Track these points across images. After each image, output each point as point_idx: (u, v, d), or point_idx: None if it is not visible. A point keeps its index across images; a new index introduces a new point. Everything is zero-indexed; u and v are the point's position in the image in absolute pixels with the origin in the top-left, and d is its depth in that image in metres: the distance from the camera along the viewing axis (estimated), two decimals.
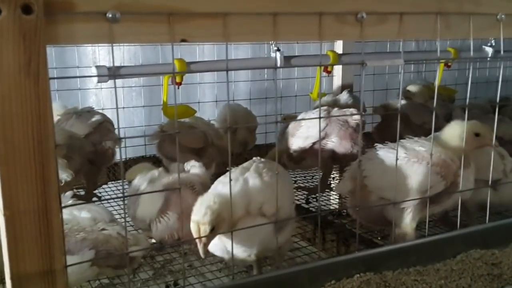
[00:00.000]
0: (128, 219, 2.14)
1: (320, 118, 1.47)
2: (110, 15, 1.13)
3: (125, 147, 3.11)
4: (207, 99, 3.47)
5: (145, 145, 3.12)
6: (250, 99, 3.60)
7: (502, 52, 1.73)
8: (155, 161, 2.73)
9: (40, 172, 1.09)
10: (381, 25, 1.47)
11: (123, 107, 3.25)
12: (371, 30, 1.45)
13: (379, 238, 2.37)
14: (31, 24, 1.02)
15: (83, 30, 1.13)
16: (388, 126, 2.84)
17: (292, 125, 2.56)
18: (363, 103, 2.30)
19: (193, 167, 2.13)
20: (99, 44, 3.04)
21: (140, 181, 2.07)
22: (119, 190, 2.72)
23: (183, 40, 1.25)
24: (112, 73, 1.25)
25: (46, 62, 1.06)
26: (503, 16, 1.63)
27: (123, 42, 1.33)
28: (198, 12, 1.24)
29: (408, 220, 1.87)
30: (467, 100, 1.68)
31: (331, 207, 2.90)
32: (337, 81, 3.57)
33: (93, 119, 2.59)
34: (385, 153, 1.95)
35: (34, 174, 1.08)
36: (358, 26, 1.43)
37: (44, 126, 1.07)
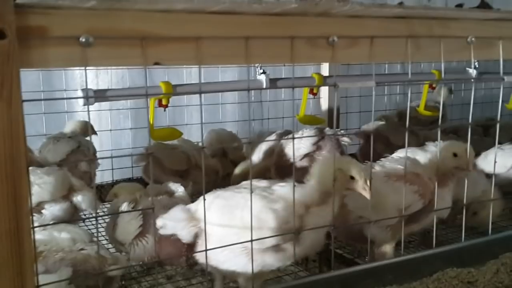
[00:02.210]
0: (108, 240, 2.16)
1: (293, 138, 1.50)
2: (83, 39, 1.16)
3: (112, 169, 3.14)
4: (194, 121, 3.50)
5: (132, 167, 3.14)
6: (237, 121, 3.64)
7: (474, 74, 1.77)
8: (141, 184, 2.75)
9: (12, 193, 1.11)
10: (352, 48, 1.51)
11: (110, 130, 3.27)
12: (343, 53, 1.50)
13: (366, 259, 2.38)
14: (4, 48, 1.05)
15: (56, 54, 1.16)
16: (369, 147, 2.88)
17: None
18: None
19: (175, 189, 2.14)
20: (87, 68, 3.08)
21: (120, 203, 2.09)
22: (103, 211, 2.73)
23: (157, 63, 1.29)
24: (86, 96, 1.27)
25: (19, 85, 1.08)
26: (473, 39, 1.68)
27: (97, 66, 1.37)
28: (170, 36, 1.28)
29: (387, 239, 1.88)
30: (439, 121, 1.71)
31: None
32: (324, 103, 3.63)
33: (68, 145, 2.63)
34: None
35: (6, 195, 1.10)
36: (329, 49, 1.47)
37: (16, 148, 1.10)
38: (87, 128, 2.82)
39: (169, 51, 1.29)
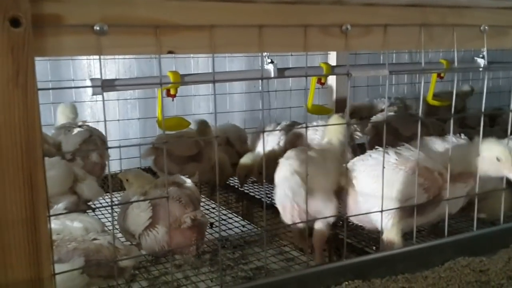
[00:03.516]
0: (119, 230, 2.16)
1: (306, 127, 1.50)
2: (97, 28, 1.16)
3: (120, 159, 3.14)
4: (202, 111, 3.51)
5: (140, 157, 3.14)
6: (244, 110, 3.64)
7: (486, 62, 1.76)
8: (150, 173, 2.75)
9: (28, 181, 1.11)
10: (365, 37, 1.50)
11: (118, 120, 3.28)
12: (356, 42, 1.49)
13: (374, 248, 2.38)
14: (19, 36, 1.05)
15: (71, 42, 1.16)
16: (379, 139, 2.85)
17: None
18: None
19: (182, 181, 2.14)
20: (95, 58, 3.09)
21: (130, 194, 2.09)
22: (113, 202, 2.73)
23: (170, 52, 1.28)
24: (101, 84, 1.27)
25: (34, 73, 1.08)
26: (486, 27, 1.67)
27: (111, 54, 1.36)
28: (184, 25, 1.27)
29: (389, 227, 1.87)
30: (452, 110, 1.71)
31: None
32: (331, 92, 3.62)
33: (80, 135, 2.63)
34: (377, 157, 1.95)
35: (22, 183, 1.10)
36: (343, 38, 1.46)
37: (32, 136, 1.10)
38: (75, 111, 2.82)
39: (182, 40, 1.29)
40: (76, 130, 2.67)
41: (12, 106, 1.06)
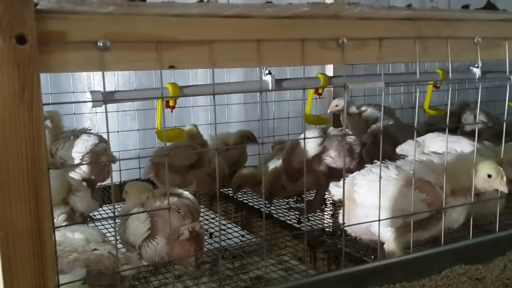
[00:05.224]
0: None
1: (304, 138, 1.53)
2: (100, 44, 1.19)
3: (120, 170, 3.17)
4: (200, 122, 3.53)
5: (139, 168, 3.16)
6: (243, 121, 3.67)
7: (479, 74, 1.79)
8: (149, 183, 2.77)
9: (34, 194, 1.13)
10: (361, 50, 1.53)
11: (118, 131, 3.30)
12: (352, 55, 1.52)
13: (372, 258, 2.40)
14: (25, 53, 1.08)
15: (75, 58, 1.19)
16: (377, 146, 2.87)
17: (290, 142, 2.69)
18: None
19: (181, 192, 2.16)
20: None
21: (130, 206, 2.11)
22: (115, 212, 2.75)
23: (171, 67, 1.32)
24: (104, 99, 1.30)
25: (40, 89, 1.11)
26: (479, 39, 1.71)
27: (114, 70, 1.40)
28: (185, 40, 1.31)
29: (391, 240, 1.89)
30: (447, 121, 1.74)
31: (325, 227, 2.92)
32: (328, 103, 3.65)
33: (90, 140, 2.67)
34: (378, 172, 1.97)
35: (28, 196, 1.13)
36: (339, 51, 1.50)
37: (38, 149, 1.13)
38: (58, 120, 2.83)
39: (183, 55, 1.32)
40: (83, 136, 2.72)
41: (18, 121, 1.09)
